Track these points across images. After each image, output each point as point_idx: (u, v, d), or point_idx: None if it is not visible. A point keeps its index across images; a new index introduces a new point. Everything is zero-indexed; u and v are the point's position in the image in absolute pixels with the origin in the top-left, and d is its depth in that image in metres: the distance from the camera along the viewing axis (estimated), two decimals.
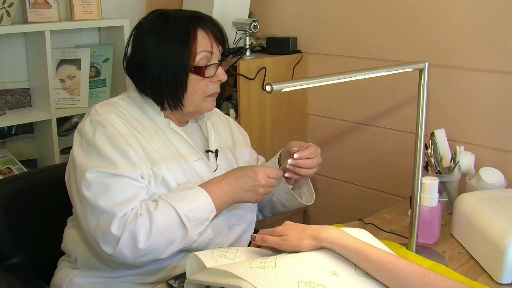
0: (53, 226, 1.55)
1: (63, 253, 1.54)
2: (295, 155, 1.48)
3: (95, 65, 2.38)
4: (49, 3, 2.18)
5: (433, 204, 1.53)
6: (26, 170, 2.22)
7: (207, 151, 1.57)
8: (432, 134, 1.79)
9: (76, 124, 2.43)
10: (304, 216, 2.56)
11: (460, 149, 1.75)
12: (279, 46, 2.34)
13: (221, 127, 1.69)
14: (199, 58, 1.43)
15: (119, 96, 1.56)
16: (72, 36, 2.36)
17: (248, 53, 2.28)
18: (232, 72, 2.19)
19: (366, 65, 2.10)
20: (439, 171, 1.74)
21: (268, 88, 1.06)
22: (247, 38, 2.29)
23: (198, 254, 1.18)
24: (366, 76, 1.24)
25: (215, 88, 1.50)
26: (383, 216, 1.78)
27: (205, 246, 1.41)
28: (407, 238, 1.49)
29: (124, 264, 1.34)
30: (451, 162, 1.75)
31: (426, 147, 1.74)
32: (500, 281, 1.34)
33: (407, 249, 1.46)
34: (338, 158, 2.34)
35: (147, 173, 1.39)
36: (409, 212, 1.49)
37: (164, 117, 1.51)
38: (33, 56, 2.21)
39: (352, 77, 1.22)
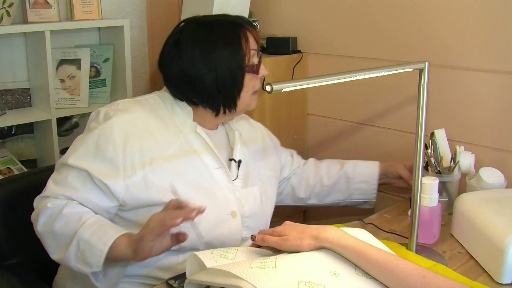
0: None
1: None
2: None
3: (95, 65, 2.38)
4: (49, 3, 2.18)
5: (433, 204, 1.53)
6: (26, 170, 2.22)
7: (230, 160, 1.57)
8: (432, 134, 1.79)
9: (76, 124, 2.43)
10: (304, 216, 2.56)
11: (460, 149, 1.75)
12: (279, 46, 2.33)
13: (251, 135, 1.71)
14: (250, 57, 1.49)
15: (151, 94, 1.57)
16: (72, 36, 2.36)
17: None
18: None
19: (366, 65, 2.10)
20: (439, 171, 1.74)
21: (268, 88, 1.06)
22: None
23: (198, 254, 1.18)
24: (366, 76, 1.24)
25: (258, 84, 1.54)
26: (383, 216, 1.78)
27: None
28: (407, 238, 1.49)
29: None
30: (451, 162, 1.75)
31: (426, 147, 1.74)
32: (500, 281, 1.34)
33: (407, 249, 1.46)
34: (338, 158, 2.33)
35: (133, 180, 1.39)
36: (409, 212, 1.49)
37: (193, 120, 1.52)
38: (33, 56, 2.21)
39: (352, 77, 1.22)
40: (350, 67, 1.93)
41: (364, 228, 1.54)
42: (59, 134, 2.27)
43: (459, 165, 1.73)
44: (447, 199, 1.73)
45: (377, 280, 1.11)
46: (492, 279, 1.36)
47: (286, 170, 1.83)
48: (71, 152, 1.42)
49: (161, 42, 2.57)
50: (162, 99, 1.54)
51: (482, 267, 1.42)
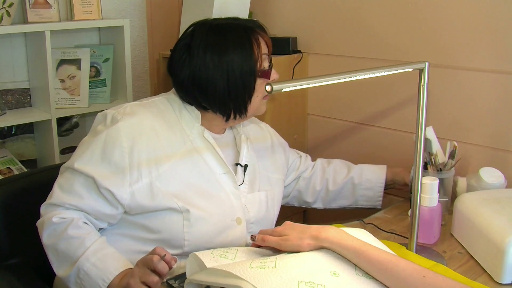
0: None
1: None
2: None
3: (95, 65, 2.38)
4: (49, 3, 2.18)
5: (433, 204, 1.53)
6: (26, 170, 2.22)
7: (236, 164, 1.57)
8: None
9: (76, 124, 2.43)
10: (304, 216, 2.56)
11: (450, 144, 1.75)
12: (279, 46, 2.33)
13: (259, 138, 1.71)
14: (262, 62, 1.48)
15: (159, 97, 1.57)
16: (72, 36, 2.36)
17: None
18: None
19: (366, 65, 2.10)
20: (440, 168, 1.74)
21: (268, 88, 1.06)
22: None
23: (198, 254, 1.18)
24: (366, 76, 1.24)
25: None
26: (383, 216, 1.78)
27: None
28: (407, 238, 1.49)
29: None
30: (449, 158, 1.75)
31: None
32: (500, 281, 1.34)
33: (407, 249, 1.46)
34: (339, 158, 2.33)
35: (139, 185, 1.39)
36: (409, 212, 1.49)
37: (200, 124, 1.51)
38: (33, 56, 2.21)
39: (352, 77, 1.22)
40: (350, 67, 1.93)
41: (364, 228, 1.54)
42: (59, 134, 2.27)
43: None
44: (447, 199, 1.74)
45: (377, 280, 1.11)
46: (492, 279, 1.36)
47: (292, 173, 1.83)
48: (77, 156, 1.42)
49: (162, 42, 2.58)
50: (170, 102, 1.54)
51: (482, 267, 1.42)
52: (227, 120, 1.52)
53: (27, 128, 2.31)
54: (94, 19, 2.29)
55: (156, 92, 2.55)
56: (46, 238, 1.37)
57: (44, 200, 1.42)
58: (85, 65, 2.31)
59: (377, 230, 1.65)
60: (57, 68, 2.29)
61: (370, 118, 2.20)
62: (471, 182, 1.73)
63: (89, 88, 2.33)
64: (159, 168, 1.41)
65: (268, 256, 1.17)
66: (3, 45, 2.20)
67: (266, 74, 1.49)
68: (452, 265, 1.44)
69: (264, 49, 1.50)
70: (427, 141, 1.75)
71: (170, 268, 1.22)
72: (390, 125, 2.14)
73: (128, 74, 2.33)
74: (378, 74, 1.28)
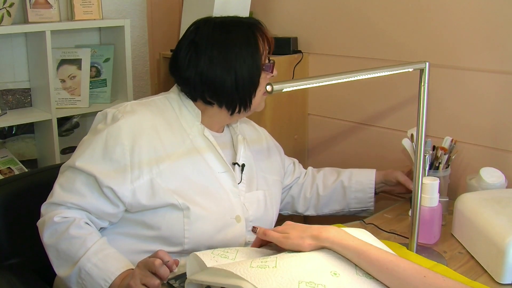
0: None
1: None
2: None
3: (95, 65, 2.38)
4: (49, 3, 2.18)
5: (433, 204, 1.53)
6: (26, 170, 2.22)
7: (234, 164, 1.58)
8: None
9: (77, 124, 2.43)
10: (304, 216, 2.56)
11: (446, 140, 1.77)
12: (279, 46, 2.32)
13: (257, 142, 1.72)
14: (265, 57, 1.53)
15: (159, 96, 1.58)
16: (72, 36, 2.36)
17: None
18: None
19: (366, 65, 2.10)
20: (448, 165, 1.75)
21: (268, 88, 1.06)
22: None
23: (199, 254, 1.18)
24: (366, 76, 1.24)
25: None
26: (384, 216, 1.78)
27: None
28: (408, 238, 1.48)
29: None
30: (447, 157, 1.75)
31: (433, 148, 1.75)
32: (501, 281, 1.34)
33: (407, 249, 1.46)
34: (339, 158, 2.34)
35: (140, 182, 1.40)
36: (410, 212, 1.49)
37: (200, 123, 1.53)
38: (34, 56, 2.21)
39: (352, 77, 1.22)
40: (351, 67, 1.93)
41: (365, 228, 1.54)
42: (60, 134, 2.27)
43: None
44: (447, 199, 1.74)
45: (377, 280, 1.11)
46: (493, 279, 1.36)
47: (288, 177, 1.83)
48: (78, 155, 1.42)
49: (162, 42, 2.58)
50: (169, 101, 1.55)
51: (483, 267, 1.42)
52: (232, 113, 1.54)
53: (27, 128, 2.31)
54: (94, 19, 2.29)
55: (156, 92, 2.55)
56: (47, 237, 1.37)
57: (45, 200, 1.42)
58: (86, 65, 2.31)
59: (377, 230, 1.65)
60: (57, 68, 2.29)
61: (370, 118, 2.20)
62: (472, 182, 1.73)
63: (90, 88, 2.33)
64: (159, 166, 1.42)
65: (269, 256, 1.17)
66: (4, 45, 2.20)
67: (270, 68, 1.54)
68: (453, 265, 1.44)
69: (267, 44, 1.55)
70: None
71: (171, 271, 1.22)
72: (391, 125, 2.14)
73: (128, 74, 2.33)
74: (378, 74, 1.28)
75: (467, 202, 1.54)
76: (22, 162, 2.25)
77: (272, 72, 1.56)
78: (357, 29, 2.17)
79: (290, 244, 1.18)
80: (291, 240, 1.18)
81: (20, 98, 2.27)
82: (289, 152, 2.31)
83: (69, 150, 2.37)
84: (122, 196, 1.38)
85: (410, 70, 1.34)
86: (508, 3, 1.75)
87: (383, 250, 1.14)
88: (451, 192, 1.81)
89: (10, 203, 1.57)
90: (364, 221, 1.73)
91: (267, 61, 1.55)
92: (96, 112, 1.53)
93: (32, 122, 2.26)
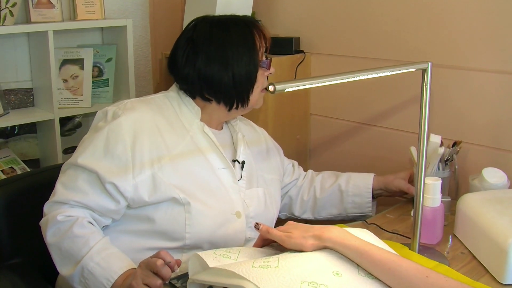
0: None
1: None
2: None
3: (98, 65, 2.38)
4: (52, 3, 2.18)
5: (435, 205, 1.53)
6: (29, 169, 2.22)
7: (234, 161, 1.58)
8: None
9: (79, 124, 2.43)
10: (302, 219, 2.56)
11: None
12: (282, 46, 2.33)
13: (255, 141, 1.72)
14: (262, 54, 1.54)
15: (158, 94, 1.59)
16: (75, 36, 2.36)
17: None
18: None
19: (369, 65, 2.09)
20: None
21: (271, 88, 1.06)
22: None
23: (201, 254, 1.18)
24: (369, 76, 1.24)
25: (266, 82, 1.58)
26: (386, 216, 1.78)
27: None
28: (410, 238, 1.48)
29: None
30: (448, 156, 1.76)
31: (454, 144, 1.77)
32: (503, 282, 1.34)
33: (409, 249, 1.46)
34: (341, 158, 2.34)
35: (142, 177, 1.41)
36: (412, 212, 1.49)
37: (200, 120, 1.54)
38: (36, 56, 2.22)
39: (355, 77, 1.22)
40: (353, 67, 1.93)
41: (367, 228, 1.54)
42: (62, 134, 2.28)
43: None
44: (449, 199, 1.74)
45: (379, 280, 1.11)
46: (495, 279, 1.36)
47: (287, 177, 1.83)
48: (79, 152, 1.42)
49: (164, 42, 2.58)
50: (169, 99, 1.56)
51: (485, 268, 1.42)
52: (229, 109, 1.55)
53: (30, 128, 2.31)
54: (97, 19, 2.29)
55: (158, 91, 2.55)
56: (50, 236, 1.37)
57: (47, 200, 1.42)
58: (88, 65, 2.31)
59: (379, 230, 1.65)
60: (60, 68, 2.29)
61: (373, 118, 2.20)
62: (474, 182, 1.73)
63: (92, 88, 2.33)
64: (161, 161, 1.43)
65: (271, 256, 1.17)
66: (6, 45, 2.20)
67: (267, 65, 1.56)
68: (455, 266, 1.43)
69: (264, 41, 1.56)
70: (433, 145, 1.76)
71: (173, 271, 1.22)
72: (393, 125, 2.13)
73: (130, 74, 2.34)
74: (381, 74, 1.28)
75: (469, 202, 1.54)
76: (24, 161, 2.25)
77: (269, 69, 1.57)
78: (360, 29, 2.17)
79: (293, 243, 1.18)
80: (294, 239, 1.18)
81: (23, 97, 2.27)
82: (291, 152, 2.32)
83: (71, 150, 2.38)
84: (125, 191, 1.39)
85: (413, 70, 1.34)
86: (511, 3, 1.75)
87: (385, 250, 1.14)
88: (453, 192, 1.81)
89: (12, 203, 1.57)
90: (366, 221, 1.73)
91: (264, 58, 1.56)
92: (98, 111, 1.53)
93: (35, 122, 2.26)
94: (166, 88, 1.65)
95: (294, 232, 1.20)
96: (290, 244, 1.19)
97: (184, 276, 1.29)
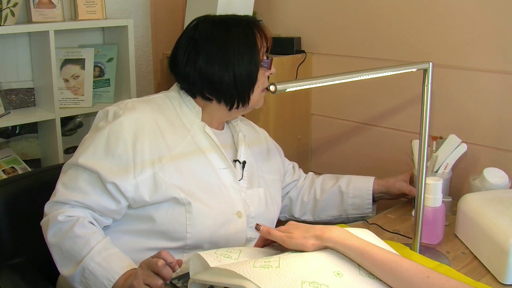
0: None
1: None
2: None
3: (99, 64, 2.38)
4: (53, 3, 2.18)
5: (437, 205, 1.53)
6: (30, 169, 2.22)
7: (235, 161, 1.58)
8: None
9: (80, 123, 2.43)
10: (302, 221, 2.56)
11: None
12: (283, 46, 2.33)
13: (256, 142, 1.72)
14: (263, 54, 1.55)
15: (159, 94, 1.59)
16: (76, 36, 2.36)
17: None
18: None
19: (370, 65, 2.08)
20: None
21: (272, 88, 1.06)
22: None
23: (202, 254, 1.18)
24: (370, 76, 1.24)
25: (267, 82, 1.58)
26: (387, 216, 1.78)
27: None
28: (411, 238, 1.48)
29: None
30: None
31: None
32: (504, 282, 1.34)
33: (410, 249, 1.46)
34: (342, 158, 2.34)
35: (143, 177, 1.41)
36: (413, 212, 1.49)
37: (201, 120, 1.54)
38: (37, 56, 2.22)
39: (356, 77, 1.22)
40: (354, 67, 1.93)
41: (368, 228, 1.54)
42: (63, 134, 2.28)
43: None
44: (450, 199, 1.74)
45: (380, 280, 1.11)
46: (496, 279, 1.36)
47: (288, 177, 1.83)
48: (80, 152, 1.43)
49: (165, 42, 2.58)
50: (170, 99, 1.56)
51: (486, 268, 1.42)
52: (230, 109, 1.55)
53: (31, 128, 2.31)
54: (98, 19, 2.29)
55: (159, 91, 2.55)
56: (50, 236, 1.37)
57: (48, 200, 1.42)
58: (89, 64, 2.31)
59: (380, 230, 1.65)
60: (61, 68, 2.29)
61: (374, 118, 2.20)
62: (475, 182, 1.73)
63: (93, 88, 2.34)
64: (162, 161, 1.43)
65: (272, 256, 1.17)
66: (8, 45, 2.20)
67: (268, 65, 1.56)
68: (456, 266, 1.43)
69: (265, 41, 1.56)
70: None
71: (174, 271, 1.22)
72: (394, 125, 2.13)
73: (132, 73, 2.34)
74: (382, 74, 1.28)
75: (470, 202, 1.54)
76: (25, 161, 2.25)
77: (270, 68, 1.57)
78: (361, 29, 2.17)
79: (294, 243, 1.18)
80: (294, 239, 1.18)
81: (24, 97, 2.27)
82: (292, 152, 2.32)
83: (72, 150, 2.38)
84: (125, 191, 1.39)
85: (414, 70, 1.34)
86: None
87: (386, 250, 1.14)
88: (454, 193, 1.81)
89: (13, 203, 1.57)
90: (367, 221, 1.73)
91: (265, 58, 1.56)
92: (99, 111, 1.53)
93: (36, 122, 2.26)
94: (167, 88, 1.65)
95: (295, 232, 1.20)
96: (291, 244, 1.19)
97: (185, 276, 1.29)
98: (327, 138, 2.41)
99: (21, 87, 2.26)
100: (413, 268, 1.08)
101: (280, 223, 1.61)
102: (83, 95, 2.30)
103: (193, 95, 1.55)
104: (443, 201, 1.54)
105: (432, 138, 1.76)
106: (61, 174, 1.45)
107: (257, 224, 1.29)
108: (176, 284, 1.29)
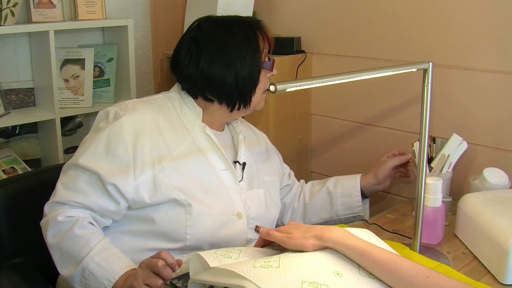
0: None
1: None
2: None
3: (99, 64, 2.38)
4: (53, 3, 2.18)
5: (437, 205, 1.53)
6: (30, 169, 2.22)
7: (235, 162, 1.58)
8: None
9: (80, 123, 2.43)
10: None
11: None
12: (283, 46, 2.33)
13: (255, 143, 1.72)
14: (265, 55, 1.54)
15: (159, 95, 1.59)
16: (76, 36, 2.36)
17: None
18: None
19: (370, 65, 2.09)
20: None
21: (272, 88, 1.06)
22: None
23: (202, 254, 1.18)
24: (370, 76, 1.24)
25: (268, 83, 1.58)
26: (387, 216, 1.78)
27: None
28: (411, 238, 1.48)
29: None
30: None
31: (434, 141, 1.75)
32: (504, 282, 1.34)
33: (410, 249, 1.46)
34: (342, 158, 2.34)
35: (143, 178, 1.41)
36: (413, 212, 1.49)
37: (202, 121, 1.54)
38: (37, 56, 2.22)
39: (356, 77, 1.22)
40: (354, 67, 1.93)
41: (368, 228, 1.54)
42: (63, 134, 2.28)
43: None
44: (450, 199, 1.74)
45: (380, 280, 1.11)
46: (496, 279, 1.36)
47: (285, 179, 1.83)
48: (80, 153, 1.42)
49: (165, 42, 2.58)
50: (170, 99, 1.56)
51: (486, 268, 1.42)
52: (231, 110, 1.55)
53: (31, 128, 2.31)
54: (98, 19, 2.29)
55: (159, 91, 2.55)
56: (50, 237, 1.37)
57: (48, 200, 1.42)
58: (89, 64, 2.31)
59: (380, 230, 1.65)
60: (61, 68, 2.29)
61: (374, 118, 2.20)
62: (475, 182, 1.73)
63: (93, 88, 2.34)
64: (162, 162, 1.43)
65: (272, 256, 1.17)
66: (7, 45, 2.20)
67: (270, 66, 1.56)
68: (456, 266, 1.43)
69: (267, 43, 1.56)
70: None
71: (174, 271, 1.22)
72: (394, 125, 2.13)
73: (131, 73, 2.34)
74: (382, 74, 1.28)
75: (470, 202, 1.54)
76: (25, 161, 2.25)
77: (272, 70, 1.57)
78: (361, 29, 2.17)
79: (293, 244, 1.18)
80: (294, 240, 1.18)
81: (24, 97, 2.27)
82: (292, 152, 2.32)
83: (72, 150, 2.38)
84: (126, 192, 1.39)
85: (414, 70, 1.34)
86: None
87: (386, 250, 1.14)
88: (454, 193, 1.81)
89: (13, 203, 1.57)
90: (367, 221, 1.73)
91: (267, 59, 1.56)
92: (99, 111, 1.53)
93: (36, 122, 2.26)
94: (167, 88, 1.65)
95: (295, 232, 1.20)
96: (290, 244, 1.19)
97: (185, 276, 1.29)
98: (327, 138, 2.41)
99: (21, 87, 2.26)
100: (413, 268, 1.08)
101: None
102: (83, 95, 2.30)
103: (194, 96, 1.55)
104: (443, 201, 1.54)
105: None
106: (61, 174, 1.45)
107: (256, 226, 1.29)
108: (176, 284, 1.29)
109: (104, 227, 1.44)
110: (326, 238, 1.16)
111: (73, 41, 2.36)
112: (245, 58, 1.49)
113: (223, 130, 1.63)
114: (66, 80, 2.30)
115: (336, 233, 1.16)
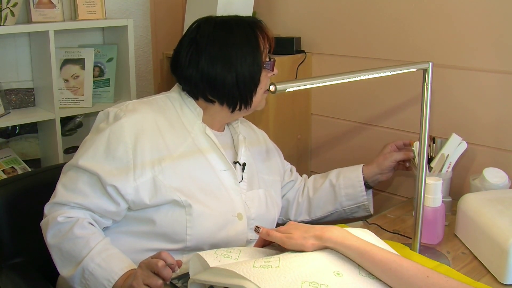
0: None
1: None
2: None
3: (98, 64, 2.38)
4: (53, 3, 2.18)
5: (436, 205, 1.53)
6: (30, 169, 2.22)
7: (235, 162, 1.58)
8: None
9: (80, 123, 2.43)
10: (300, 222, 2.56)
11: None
12: (283, 46, 2.33)
13: (255, 143, 1.72)
14: (265, 55, 1.54)
15: (160, 95, 1.59)
16: (76, 36, 2.36)
17: None
18: None
19: (370, 65, 2.09)
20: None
21: (272, 88, 1.06)
22: None
23: (202, 254, 1.18)
24: (370, 76, 1.24)
25: (269, 83, 1.55)
26: (387, 216, 1.78)
27: None
28: (411, 238, 1.48)
29: None
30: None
31: (433, 141, 1.75)
32: (504, 282, 1.34)
33: (410, 249, 1.46)
34: (342, 158, 2.33)
35: (143, 180, 1.41)
36: (413, 212, 1.49)
37: (202, 122, 1.54)
38: (37, 56, 2.22)
39: (356, 77, 1.22)
40: (354, 67, 1.93)
41: (368, 228, 1.54)
42: (63, 134, 2.28)
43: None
44: (450, 199, 1.73)
45: (380, 280, 1.11)
46: (496, 279, 1.36)
47: (287, 176, 1.83)
48: (80, 154, 1.42)
49: (165, 42, 2.58)
50: (171, 100, 1.56)
51: (486, 268, 1.42)
52: (233, 111, 1.54)
53: (31, 128, 2.31)
54: (98, 19, 2.29)
55: (159, 91, 2.55)
56: (50, 237, 1.37)
57: (48, 200, 1.42)
58: (89, 64, 2.31)
59: (380, 230, 1.65)
60: (61, 68, 2.29)
61: (374, 118, 2.20)
62: (475, 182, 1.73)
63: (93, 88, 2.34)
64: (162, 163, 1.43)
65: (272, 256, 1.17)
66: (7, 45, 2.20)
67: (270, 66, 1.55)
68: (456, 266, 1.43)
69: (267, 43, 1.55)
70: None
71: (174, 272, 1.22)
72: (394, 125, 2.13)
73: (131, 73, 2.34)
74: (382, 74, 1.28)
75: (470, 202, 1.54)
76: (25, 161, 2.25)
77: (272, 70, 1.57)
78: (361, 29, 2.17)
79: (293, 244, 1.18)
80: (294, 240, 1.18)
81: (24, 97, 2.27)
82: (292, 152, 2.32)
83: (72, 150, 2.38)
84: (125, 193, 1.39)
85: (414, 70, 1.34)
86: None
87: (386, 250, 1.14)
88: (454, 193, 1.81)
89: (13, 203, 1.57)
90: (367, 221, 1.73)
91: (267, 59, 1.56)
92: (99, 111, 1.53)
93: (36, 122, 2.26)
94: (167, 88, 1.65)
95: (295, 232, 1.20)
96: (290, 245, 1.19)
97: (185, 276, 1.29)
98: (327, 138, 2.41)
99: (21, 87, 2.26)
100: (413, 268, 1.08)
101: (277, 225, 1.61)
102: (83, 95, 2.30)
103: (195, 96, 1.55)
104: (443, 201, 1.54)
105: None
106: (61, 175, 1.45)
107: (256, 226, 1.29)
108: (176, 284, 1.29)
109: (104, 227, 1.44)
110: (326, 238, 1.16)
111: (73, 41, 2.36)
112: (245, 58, 1.49)
113: (223, 130, 1.63)
114: (66, 80, 2.30)
115: (336, 233, 1.16)
